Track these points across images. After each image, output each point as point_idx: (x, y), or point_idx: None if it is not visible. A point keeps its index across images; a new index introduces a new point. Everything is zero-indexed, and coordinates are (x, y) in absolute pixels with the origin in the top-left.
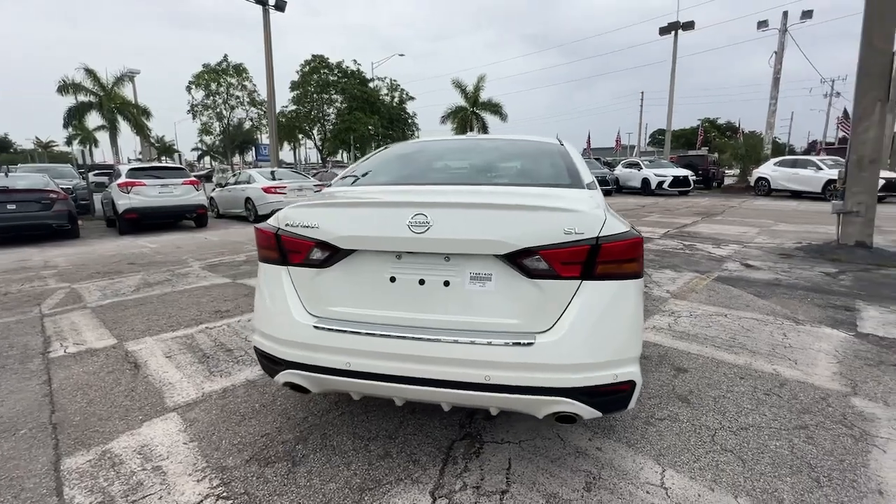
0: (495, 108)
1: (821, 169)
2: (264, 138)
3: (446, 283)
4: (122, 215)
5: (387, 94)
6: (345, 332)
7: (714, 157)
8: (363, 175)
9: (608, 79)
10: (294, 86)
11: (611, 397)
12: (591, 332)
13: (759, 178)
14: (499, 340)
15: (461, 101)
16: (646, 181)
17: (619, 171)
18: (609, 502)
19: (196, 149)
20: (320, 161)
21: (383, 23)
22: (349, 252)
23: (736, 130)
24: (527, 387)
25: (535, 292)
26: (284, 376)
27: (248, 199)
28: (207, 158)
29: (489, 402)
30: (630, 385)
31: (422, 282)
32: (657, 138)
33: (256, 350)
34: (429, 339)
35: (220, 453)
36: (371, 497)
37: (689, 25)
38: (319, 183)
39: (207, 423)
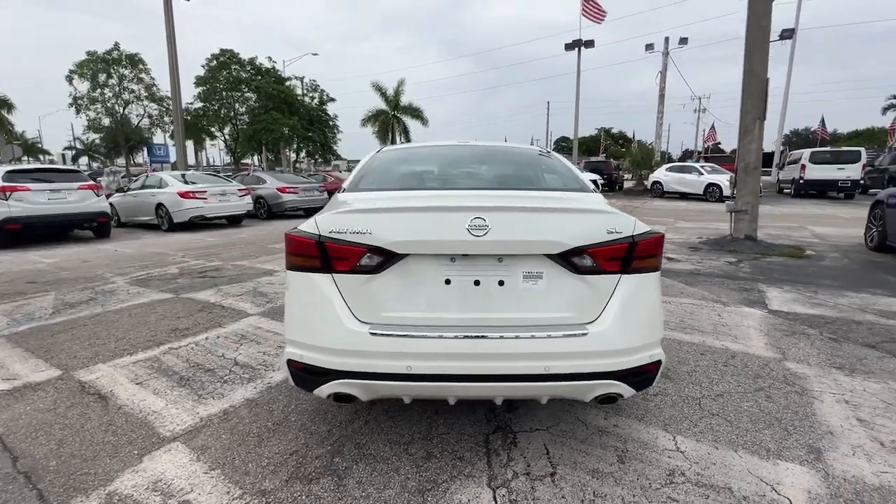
0: (416, 113)
1: (702, 174)
2: (162, 137)
3: (501, 283)
4: (1, 226)
5: (305, 95)
6: (406, 336)
7: (617, 163)
8: (376, 180)
9: (517, 88)
10: (200, 81)
11: (645, 376)
12: (630, 319)
13: (654, 182)
14: (557, 333)
15: (382, 105)
16: None
17: None
18: (643, 470)
19: (70, 147)
20: (232, 163)
21: (287, 22)
22: (401, 257)
23: (628, 139)
24: (581, 373)
25: (583, 287)
26: (332, 387)
27: (159, 206)
28: (85, 159)
29: (544, 391)
30: (657, 364)
31: (477, 282)
32: (561, 145)
33: (294, 363)
34: (490, 337)
35: (253, 478)
36: (433, 497)
37: (590, 43)
38: (245, 187)
39: (221, 448)
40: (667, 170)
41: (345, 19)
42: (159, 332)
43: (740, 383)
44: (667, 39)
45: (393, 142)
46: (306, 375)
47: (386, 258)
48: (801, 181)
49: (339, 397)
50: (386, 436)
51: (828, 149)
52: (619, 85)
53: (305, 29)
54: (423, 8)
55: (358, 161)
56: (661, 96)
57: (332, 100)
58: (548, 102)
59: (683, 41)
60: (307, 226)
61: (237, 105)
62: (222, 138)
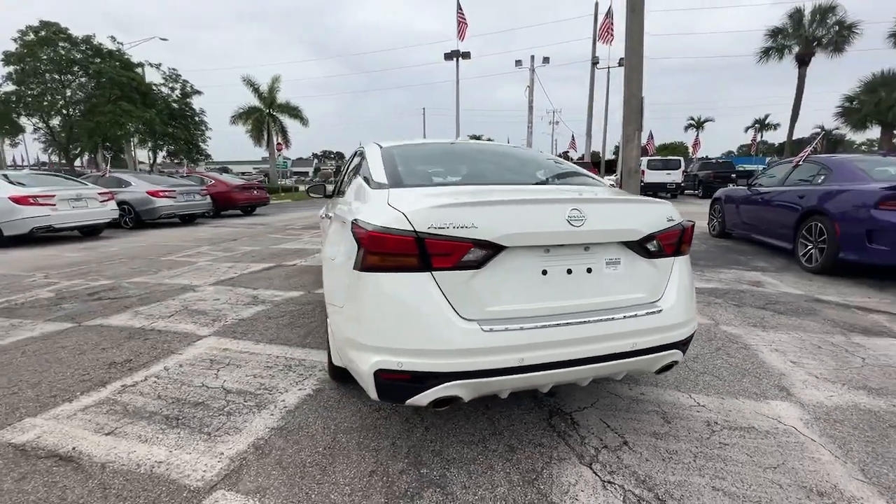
0: (295, 112)
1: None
2: None
3: (588, 270)
4: None
5: (164, 85)
6: (519, 329)
7: None
8: (422, 175)
9: (391, 93)
10: (10, 58)
11: (690, 343)
12: (683, 295)
13: None
14: (640, 312)
15: (254, 102)
16: None
17: None
18: (686, 426)
19: None
20: (58, 162)
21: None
22: (503, 250)
23: None
24: (658, 346)
25: (652, 269)
26: (439, 391)
27: None
28: None
29: (627, 367)
30: (695, 332)
31: (569, 271)
32: None
33: (386, 373)
34: (591, 321)
35: None
36: (543, 484)
37: (467, 55)
38: (108, 191)
39: (283, 486)
40: None
41: (191, 2)
42: (90, 369)
43: (703, 346)
44: (532, 57)
45: (269, 142)
46: (404, 384)
47: (490, 252)
48: (642, 184)
49: (440, 402)
50: (457, 438)
51: (658, 157)
52: (494, 94)
53: (139, 4)
54: (283, 5)
55: (233, 162)
56: (530, 108)
57: (198, 92)
58: (423, 108)
59: (546, 60)
60: (395, 221)
61: (68, 91)
62: (45, 131)
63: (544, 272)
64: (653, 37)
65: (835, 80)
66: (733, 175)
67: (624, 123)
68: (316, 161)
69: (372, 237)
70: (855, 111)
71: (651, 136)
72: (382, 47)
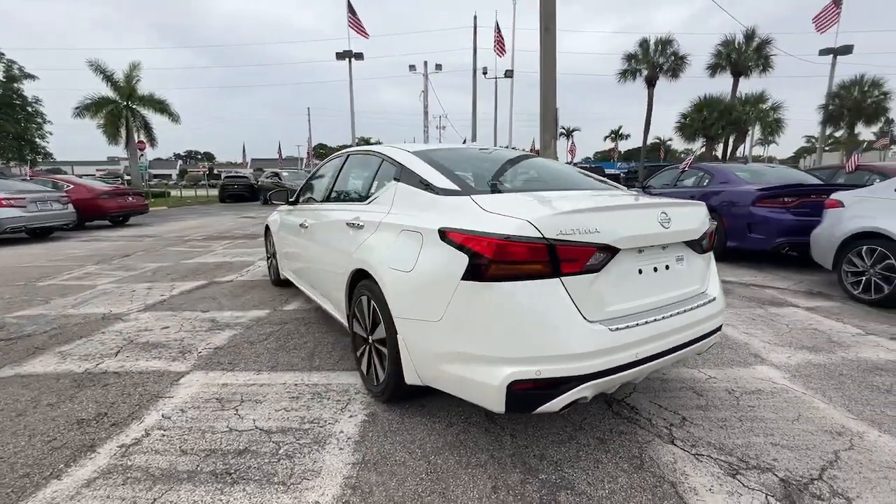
0: (162, 107)
1: None
2: None
3: (667, 267)
4: None
5: None
6: (634, 325)
7: None
8: (491, 182)
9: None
10: None
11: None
12: (719, 285)
13: None
14: (705, 300)
15: (106, 92)
16: None
17: None
18: (716, 397)
19: None
20: None
21: None
22: (617, 253)
23: None
24: (713, 330)
25: (703, 263)
26: (573, 395)
27: None
28: None
29: (694, 351)
30: None
31: (655, 269)
32: (319, 152)
33: (521, 384)
34: (681, 312)
35: None
36: (651, 466)
37: (359, 56)
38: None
39: None
40: None
41: None
42: (53, 432)
43: None
44: (426, 63)
45: (129, 138)
46: (538, 392)
47: (609, 256)
48: None
49: (569, 405)
50: (547, 440)
51: (588, 165)
52: (379, 97)
53: None
54: None
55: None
56: (426, 113)
57: (31, 76)
58: (308, 108)
59: (438, 67)
60: (511, 230)
61: None
62: None
63: (640, 271)
64: (529, 53)
65: (679, 99)
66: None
67: (541, 132)
68: (181, 163)
69: (499, 246)
70: (688, 126)
71: (533, 143)
72: (255, 40)
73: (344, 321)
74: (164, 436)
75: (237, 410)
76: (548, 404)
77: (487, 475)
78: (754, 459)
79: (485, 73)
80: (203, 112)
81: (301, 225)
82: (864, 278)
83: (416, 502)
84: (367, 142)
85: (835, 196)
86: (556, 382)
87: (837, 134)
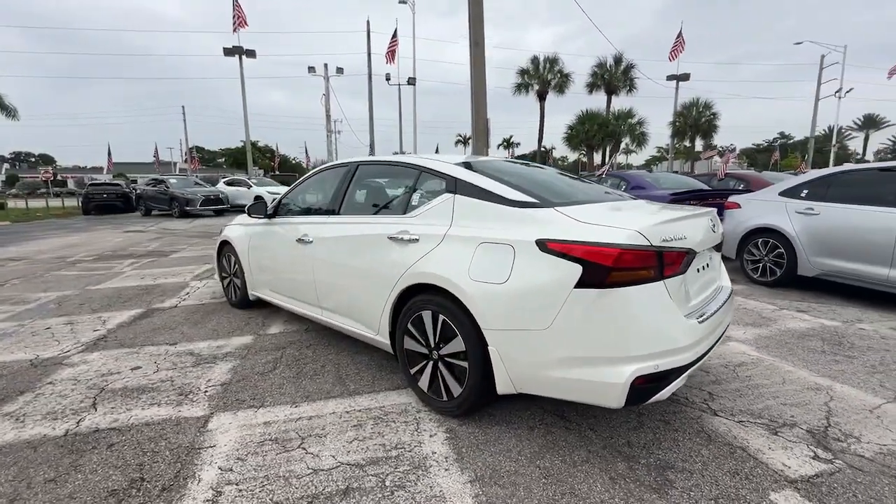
0: None
1: None
2: None
3: (707, 266)
4: None
5: None
6: (707, 317)
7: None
8: (557, 196)
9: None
10: None
11: None
12: (727, 277)
13: None
14: (729, 291)
15: None
16: (259, 199)
17: (227, 189)
18: (717, 373)
19: None
20: None
21: None
22: (695, 255)
23: (272, 153)
24: (730, 320)
25: (719, 260)
26: (678, 383)
27: None
28: None
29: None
30: None
31: (704, 267)
32: (194, 156)
33: (642, 378)
34: (722, 303)
35: None
36: (719, 437)
37: (251, 53)
38: None
39: None
40: None
41: None
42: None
43: None
44: (326, 66)
45: None
46: (653, 385)
47: (691, 258)
48: None
49: (643, 395)
50: (621, 429)
51: None
52: (268, 98)
53: None
54: None
55: None
56: (328, 116)
57: None
58: (182, 107)
59: (340, 70)
60: (623, 239)
61: None
62: None
63: (698, 270)
64: (428, 62)
65: (566, 111)
66: None
67: (474, 140)
68: (7, 167)
69: (618, 254)
70: (574, 137)
71: (437, 150)
72: (105, 26)
73: (380, 338)
74: (241, 491)
75: (305, 449)
76: (658, 395)
77: (598, 469)
78: (780, 419)
79: (388, 79)
80: (35, 107)
81: (299, 240)
82: (760, 265)
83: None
84: (255, 146)
85: (733, 199)
86: (668, 374)
87: (686, 144)
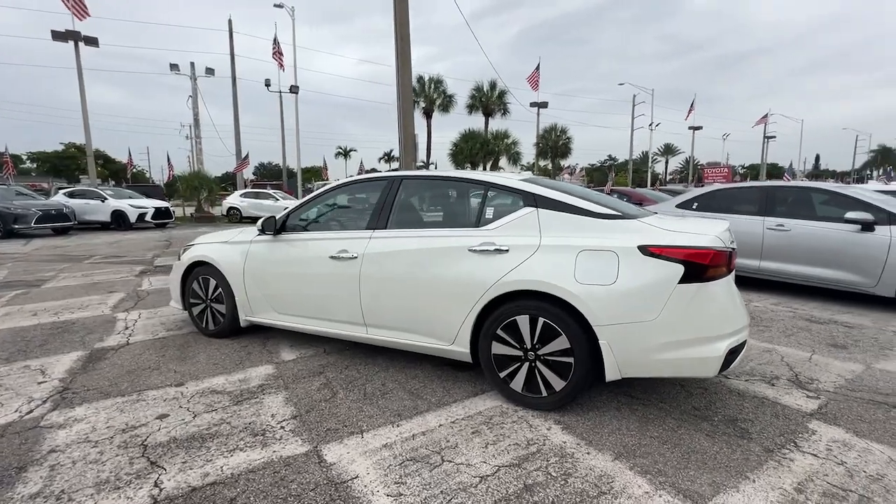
0: None
1: (278, 200)
2: None
3: None
4: None
5: None
6: (745, 304)
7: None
8: (623, 210)
9: None
10: None
11: None
12: None
13: (231, 208)
14: None
15: None
16: (120, 214)
17: (71, 202)
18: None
19: None
20: None
21: None
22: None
23: (109, 159)
24: None
25: None
26: (742, 354)
27: None
28: None
29: None
30: None
31: None
32: (5, 159)
33: (730, 350)
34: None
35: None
36: (768, 401)
37: (91, 41)
38: None
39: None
40: (241, 195)
41: None
42: None
43: None
44: (192, 64)
45: None
46: (733, 356)
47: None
48: None
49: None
50: (700, 403)
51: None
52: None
53: None
54: None
55: None
56: (196, 120)
57: None
58: None
59: (210, 71)
60: (709, 243)
61: None
62: None
63: None
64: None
65: (450, 129)
66: None
67: (402, 155)
68: None
69: (714, 255)
70: (459, 153)
71: (325, 164)
72: None
73: (455, 348)
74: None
75: (451, 461)
76: (734, 363)
77: (693, 430)
78: (767, 375)
79: (267, 85)
80: None
81: (335, 256)
82: None
83: (722, 474)
84: (77, 147)
85: None
86: (741, 346)
87: (548, 164)
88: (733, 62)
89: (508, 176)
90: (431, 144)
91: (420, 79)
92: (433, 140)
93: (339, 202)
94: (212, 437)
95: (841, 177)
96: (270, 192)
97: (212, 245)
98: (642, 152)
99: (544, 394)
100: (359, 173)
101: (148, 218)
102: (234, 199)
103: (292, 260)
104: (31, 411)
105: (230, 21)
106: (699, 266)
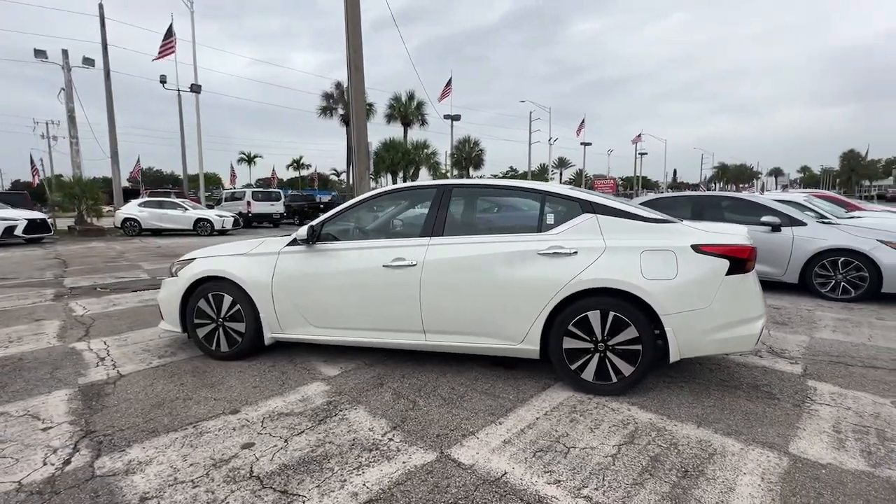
0: None
1: (187, 210)
2: None
3: None
4: None
5: None
6: None
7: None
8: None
9: None
10: None
11: None
12: None
13: (127, 219)
14: None
15: None
16: None
17: None
18: None
19: None
20: None
21: None
22: None
23: None
24: None
25: None
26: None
27: None
28: None
29: None
30: None
31: None
32: None
33: (761, 328)
34: None
35: None
36: (797, 380)
37: None
38: None
39: None
40: (140, 205)
41: None
42: None
43: None
44: (65, 52)
45: None
46: (764, 332)
47: None
48: (250, 215)
49: None
50: (710, 384)
51: (262, 189)
52: None
53: None
54: None
55: None
56: (72, 118)
57: None
58: None
59: (90, 62)
60: (743, 241)
61: None
62: None
63: None
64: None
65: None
66: (321, 205)
67: (357, 162)
68: None
69: (751, 251)
70: (381, 162)
71: (232, 170)
72: None
73: (524, 346)
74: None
75: (576, 447)
76: (761, 338)
77: (735, 397)
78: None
79: (163, 82)
80: None
81: (390, 265)
82: None
83: (782, 427)
84: None
85: None
86: (764, 325)
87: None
88: (609, 86)
89: (558, 186)
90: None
91: (338, 85)
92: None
93: (388, 211)
94: (325, 459)
95: (694, 187)
96: (177, 200)
97: (225, 258)
98: (540, 164)
99: (614, 380)
100: (271, 179)
101: (18, 232)
102: (131, 209)
103: (337, 271)
104: (68, 461)
105: (101, 5)
106: (741, 260)
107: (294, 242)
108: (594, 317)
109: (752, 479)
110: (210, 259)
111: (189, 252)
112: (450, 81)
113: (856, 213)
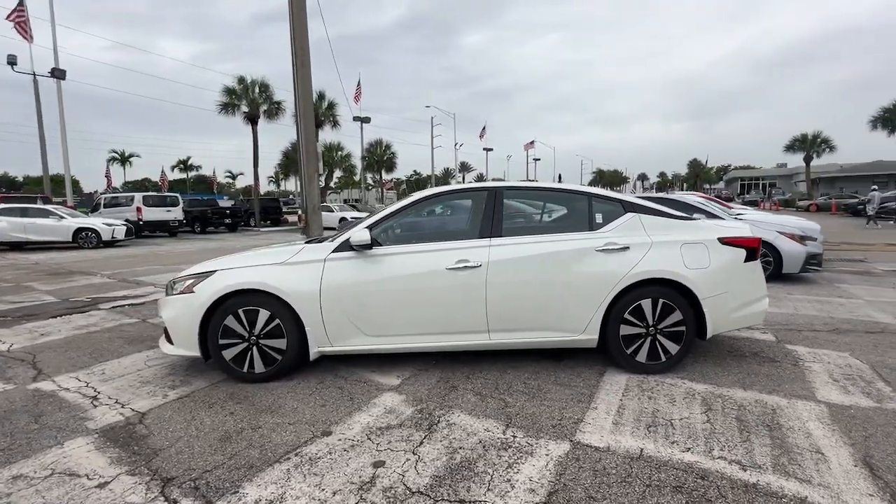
0: None
1: (63, 218)
2: None
3: None
4: None
5: None
6: None
7: None
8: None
9: None
10: None
11: None
12: None
13: None
14: None
15: None
16: None
17: None
18: None
19: None
20: None
21: None
22: None
23: None
24: None
25: None
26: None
27: None
28: None
29: None
30: None
31: None
32: None
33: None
34: None
35: None
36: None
37: None
38: None
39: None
40: None
41: None
42: None
43: None
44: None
45: None
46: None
47: None
48: (141, 222)
49: None
50: (745, 352)
51: (155, 194)
52: None
53: None
54: None
55: None
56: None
57: None
58: None
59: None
60: (748, 233)
61: None
62: None
63: None
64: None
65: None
66: (227, 211)
67: (304, 164)
68: None
69: (760, 241)
70: (292, 163)
71: (163, 173)
72: None
73: (585, 337)
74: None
75: (672, 418)
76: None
77: (759, 366)
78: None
79: (12, 63)
80: None
81: (453, 268)
82: None
83: (799, 384)
84: None
85: None
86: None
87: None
88: (500, 95)
89: (593, 188)
90: (259, 154)
91: (241, 80)
92: (261, 150)
93: (440, 214)
94: (471, 463)
95: None
96: (48, 207)
97: (261, 269)
98: (445, 168)
99: (663, 359)
100: (161, 182)
101: None
102: None
103: (398, 276)
104: None
105: None
106: (753, 249)
107: (342, 248)
108: (647, 304)
109: (815, 424)
110: (240, 271)
111: (191, 266)
112: (359, 84)
113: (737, 211)
